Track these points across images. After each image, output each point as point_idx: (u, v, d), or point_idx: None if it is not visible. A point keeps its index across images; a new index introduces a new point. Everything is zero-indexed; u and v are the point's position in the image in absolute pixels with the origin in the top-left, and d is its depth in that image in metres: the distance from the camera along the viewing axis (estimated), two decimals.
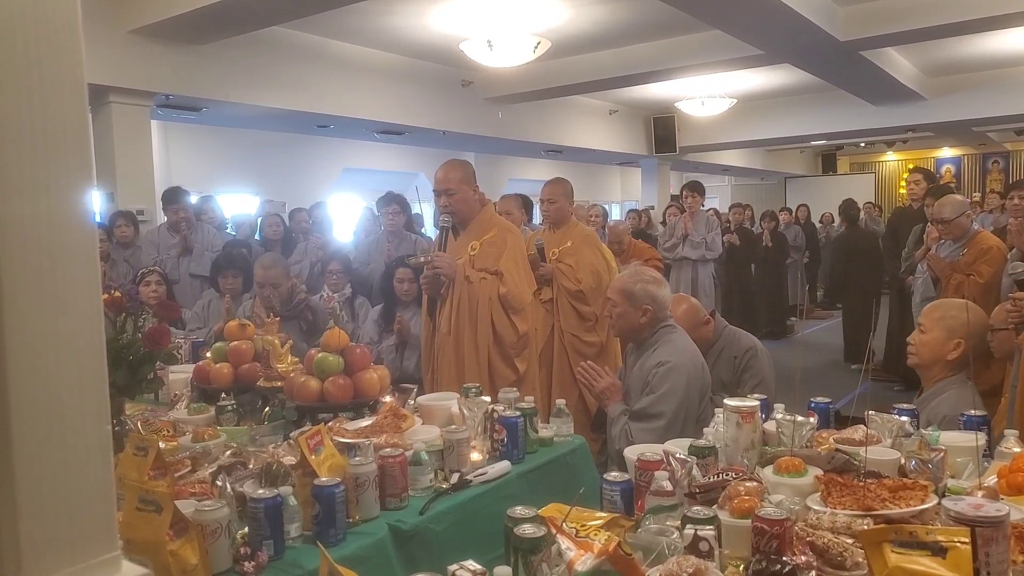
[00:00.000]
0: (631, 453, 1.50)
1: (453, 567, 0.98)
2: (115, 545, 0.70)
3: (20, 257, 0.62)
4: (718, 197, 14.59)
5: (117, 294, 1.69)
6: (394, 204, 4.37)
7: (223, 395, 1.96)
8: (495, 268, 2.51)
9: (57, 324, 0.64)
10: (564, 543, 1.05)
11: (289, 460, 1.42)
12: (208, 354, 2.23)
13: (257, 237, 5.31)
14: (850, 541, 1.07)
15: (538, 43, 5.24)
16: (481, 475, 1.60)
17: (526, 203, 4.71)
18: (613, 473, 1.38)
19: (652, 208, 9.85)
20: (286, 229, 5.18)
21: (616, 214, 12.33)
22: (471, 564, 0.98)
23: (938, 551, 0.89)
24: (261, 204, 6.41)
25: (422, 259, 2.59)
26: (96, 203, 5.11)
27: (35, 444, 0.64)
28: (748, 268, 7.54)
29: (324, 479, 1.31)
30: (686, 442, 1.51)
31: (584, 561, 1.01)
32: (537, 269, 3.18)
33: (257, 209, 6.08)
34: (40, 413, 0.65)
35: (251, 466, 1.43)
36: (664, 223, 7.02)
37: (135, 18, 4.64)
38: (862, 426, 1.53)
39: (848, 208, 7.12)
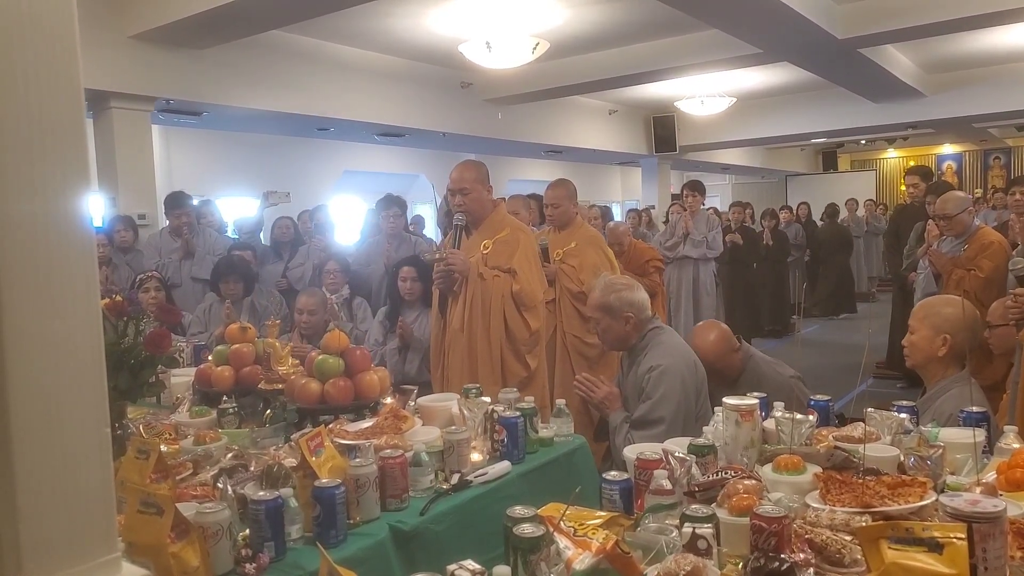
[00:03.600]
0: (630, 452, 1.50)
1: (452, 567, 0.99)
2: (115, 547, 0.71)
3: (17, 260, 0.63)
4: (719, 196, 14.56)
5: (119, 298, 1.70)
6: (395, 207, 4.38)
7: (224, 398, 1.96)
8: (508, 266, 2.54)
9: (55, 327, 0.65)
10: (562, 542, 1.05)
11: (290, 462, 1.42)
12: (210, 357, 2.24)
13: (263, 239, 5.31)
14: (848, 538, 1.08)
15: (537, 44, 5.24)
16: (481, 475, 1.60)
17: (539, 204, 4.69)
18: (612, 472, 1.38)
19: (653, 207, 9.85)
20: (296, 231, 5.17)
21: (617, 214, 12.32)
22: (470, 564, 0.99)
23: (935, 547, 0.89)
24: (263, 197, 6.41)
25: (436, 256, 2.61)
26: (98, 208, 5.13)
27: (35, 447, 0.64)
28: (751, 267, 7.54)
29: (325, 480, 1.32)
30: (685, 441, 1.51)
31: (582, 560, 1.01)
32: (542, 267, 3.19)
33: (260, 202, 6.07)
34: (39, 416, 0.65)
35: (252, 468, 1.44)
36: (666, 222, 7.03)
37: (135, 23, 4.66)
38: (861, 423, 1.53)
39: (829, 207, 9.77)
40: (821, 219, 9.92)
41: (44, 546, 0.64)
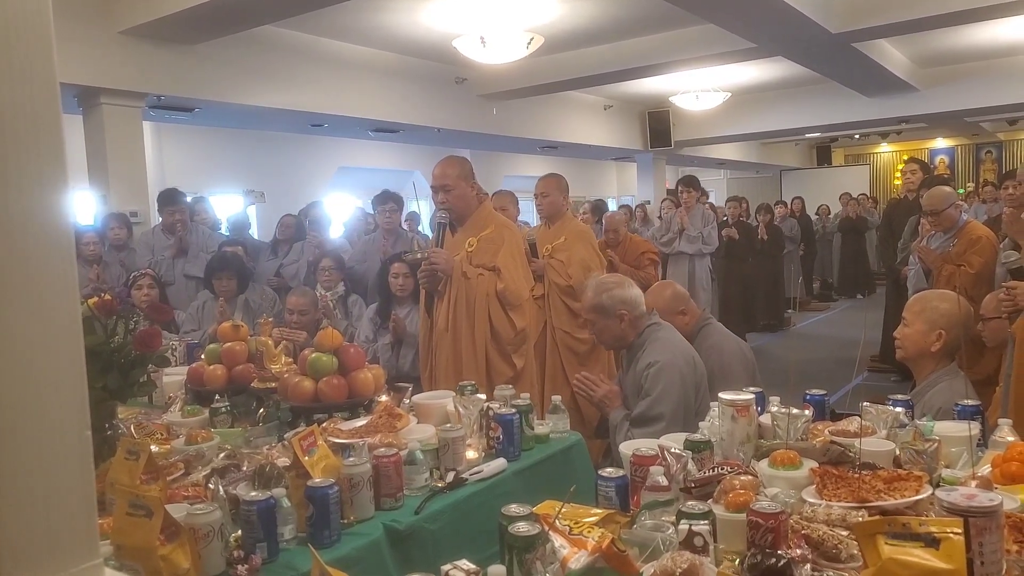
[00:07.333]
0: (626, 448, 1.49)
1: (447, 567, 0.98)
2: (96, 553, 0.69)
3: None
4: (714, 191, 14.56)
5: (108, 297, 1.68)
6: (390, 202, 4.37)
7: (217, 397, 1.95)
8: (492, 264, 2.50)
9: (32, 328, 0.63)
10: (558, 540, 1.04)
11: (283, 461, 1.41)
12: (202, 356, 2.22)
13: (255, 235, 5.26)
14: (845, 533, 1.07)
15: (531, 39, 5.22)
16: (477, 473, 1.59)
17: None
18: (608, 469, 1.37)
19: (648, 203, 9.85)
20: (300, 228, 5.13)
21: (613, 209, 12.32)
22: (465, 564, 0.98)
23: (931, 542, 0.89)
24: (245, 197, 6.41)
25: (419, 255, 2.58)
26: (89, 205, 5.09)
27: (11, 451, 0.63)
28: (747, 261, 7.56)
29: (318, 480, 1.30)
30: (681, 436, 1.51)
31: (578, 559, 1.01)
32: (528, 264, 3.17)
33: (243, 201, 6.06)
34: (15, 419, 0.64)
35: (244, 468, 1.42)
36: (660, 218, 7.03)
37: (125, 19, 4.61)
38: (857, 417, 1.52)
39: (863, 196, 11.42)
40: (816, 213, 10.59)
41: (22, 554, 0.62)
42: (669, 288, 2.57)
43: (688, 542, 1.05)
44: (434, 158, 2.90)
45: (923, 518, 0.97)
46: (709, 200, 7.37)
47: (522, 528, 1.03)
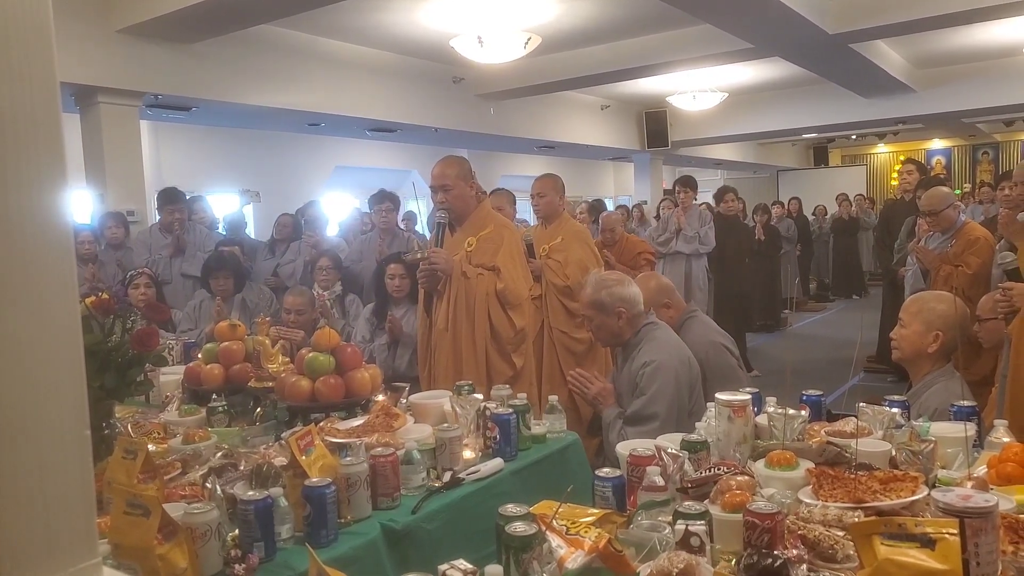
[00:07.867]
0: (623, 448, 1.50)
1: (444, 567, 0.98)
2: (95, 552, 0.69)
3: None
4: (711, 191, 14.58)
5: (105, 296, 1.68)
6: (387, 202, 4.36)
7: (214, 396, 1.95)
8: (492, 264, 2.51)
9: (32, 327, 0.63)
10: (555, 540, 1.04)
11: (280, 461, 1.41)
12: (199, 355, 2.22)
13: (252, 234, 5.25)
14: (841, 534, 1.08)
15: (528, 39, 5.22)
16: (474, 473, 1.59)
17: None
18: (605, 469, 1.38)
19: (645, 203, 9.86)
20: (297, 227, 5.12)
21: (610, 209, 12.34)
22: (461, 563, 0.98)
23: (927, 543, 0.89)
24: (241, 196, 6.40)
25: (419, 255, 2.58)
26: (86, 204, 5.07)
27: (11, 450, 0.63)
28: (743, 262, 7.56)
29: (315, 480, 1.30)
30: (678, 437, 1.51)
31: (575, 558, 1.01)
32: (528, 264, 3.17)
33: (239, 200, 6.04)
34: (14, 418, 0.64)
35: (242, 467, 1.42)
36: (658, 217, 7.04)
37: (123, 17, 4.60)
38: (853, 418, 1.53)
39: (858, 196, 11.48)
40: (812, 214, 10.74)
41: (21, 553, 0.62)
42: (653, 280, 2.56)
43: (684, 542, 1.05)
44: (431, 158, 2.91)
45: (919, 519, 0.98)
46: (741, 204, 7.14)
47: (519, 528, 1.03)
